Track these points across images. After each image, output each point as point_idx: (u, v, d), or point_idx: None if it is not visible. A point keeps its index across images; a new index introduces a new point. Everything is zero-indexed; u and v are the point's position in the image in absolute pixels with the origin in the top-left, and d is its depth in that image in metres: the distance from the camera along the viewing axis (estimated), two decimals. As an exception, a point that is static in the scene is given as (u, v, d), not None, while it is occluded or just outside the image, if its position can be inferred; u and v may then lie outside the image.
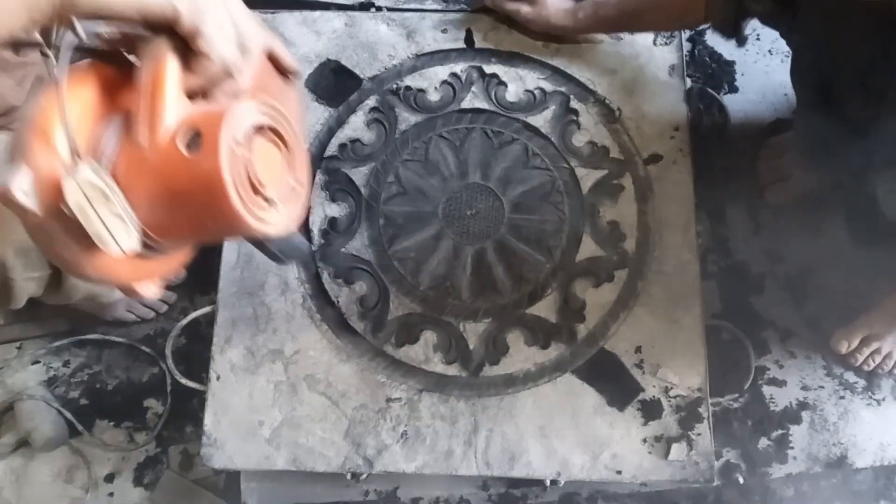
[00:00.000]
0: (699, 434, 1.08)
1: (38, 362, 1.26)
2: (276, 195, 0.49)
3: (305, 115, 0.62)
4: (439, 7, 1.37)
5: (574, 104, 1.22)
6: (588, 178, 1.19)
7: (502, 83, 1.23)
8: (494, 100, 1.23)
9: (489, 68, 1.24)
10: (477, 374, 1.10)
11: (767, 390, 1.24)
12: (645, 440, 1.07)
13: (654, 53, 1.26)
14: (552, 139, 1.20)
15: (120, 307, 1.24)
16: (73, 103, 0.46)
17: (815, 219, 1.32)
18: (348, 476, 1.09)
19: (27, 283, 0.91)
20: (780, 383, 1.25)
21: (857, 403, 1.24)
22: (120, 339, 1.27)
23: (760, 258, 1.31)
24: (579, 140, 1.21)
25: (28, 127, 0.45)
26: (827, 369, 1.26)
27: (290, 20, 1.28)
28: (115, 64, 0.50)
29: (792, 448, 1.21)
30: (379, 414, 1.08)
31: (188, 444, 1.23)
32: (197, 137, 0.46)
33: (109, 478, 1.21)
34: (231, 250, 1.15)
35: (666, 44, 1.26)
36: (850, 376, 1.25)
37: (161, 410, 1.24)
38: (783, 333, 1.27)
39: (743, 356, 1.21)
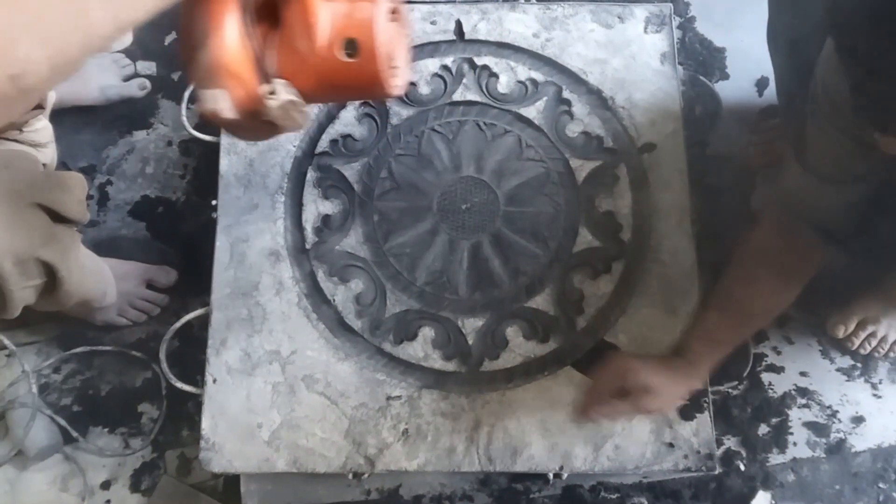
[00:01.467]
0: (700, 423, 1.08)
1: (29, 370, 1.24)
2: (401, 63, 0.60)
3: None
4: (427, -1, 1.35)
5: (566, 94, 1.21)
6: (582, 168, 1.18)
7: (494, 74, 1.22)
8: (486, 91, 1.21)
9: (480, 60, 1.23)
10: (477, 370, 1.10)
11: (766, 377, 1.24)
12: (646, 430, 1.07)
13: (646, 42, 1.25)
14: (545, 130, 1.19)
15: (111, 312, 1.22)
16: (240, 22, 0.55)
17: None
18: (350, 476, 1.08)
19: (23, 292, 0.89)
20: (778, 369, 1.25)
21: (855, 387, 1.25)
22: (110, 348, 1.25)
23: (755, 244, 1.30)
24: (573, 130, 1.20)
25: (214, 59, 0.54)
26: (824, 354, 1.26)
27: (277, 15, 1.26)
28: None
29: (791, 434, 1.21)
30: (379, 412, 1.07)
31: (185, 448, 1.21)
32: (353, 45, 0.55)
33: (106, 485, 1.19)
34: (223, 251, 1.13)
35: (657, 32, 1.25)
36: (847, 360, 1.26)
37: (156, 415, 1.23)
38: (780, 319, 1.27)
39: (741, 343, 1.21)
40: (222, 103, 0.54)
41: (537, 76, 1.22)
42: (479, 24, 1.25)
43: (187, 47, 0.55)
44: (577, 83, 1.23)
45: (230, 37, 0.54)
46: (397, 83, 0.61)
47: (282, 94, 0.55)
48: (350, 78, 0.57)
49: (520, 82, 1.22)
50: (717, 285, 1.04)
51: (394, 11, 0.61)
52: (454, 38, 1.25)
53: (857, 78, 0.64)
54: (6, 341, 1.21)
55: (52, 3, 0.43)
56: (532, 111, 1.20)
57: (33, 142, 0.99)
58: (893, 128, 0.66)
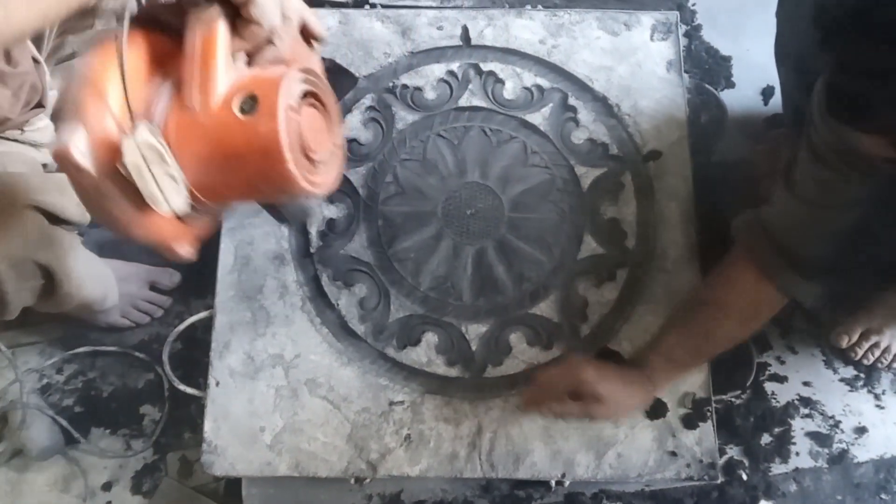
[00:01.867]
0: (703, 432, 1.07)
1: (31, 370, 1.24)
2: (322, 157, 0.52)
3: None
4: (434, 3, 1.35)
5: (572, 101, 1.21)
6: (587, 175, 1.18)
7: (500, 80, 1.22)
8: (492, 97, 1.21)
9: (486, 65, 1.23)
10: (480, 376, 1.09)
11: (769, 386, 1.24)
12: (649, 439, 1.07)
13: (652, 50, 1.25)
14: (551, 137, 1.19)
15: (114, 313, 1.22)
16: (130, 66, 0.47)
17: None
18: (351, 481, 1.08)
19: (20, 294, 0.89)
20: (781, 379, 1.25)
21: (858, 398, 1.24)
22: (113, 349, 1.25)
23: (759, 253, 1.30)
24: (578, 137, 1.20)
25: (83, 87, 0.46)
26: (827, 364, 1.26)
27: (284, 18, 1.26)
28: (162, 30, 0.51)
29: (794, 443, 1.21)
30: (382, 417, 1.07)
31: (186, 450, 1.21)
32: (252, 101, 0.47)
33: (107, 486, 1.19)
34: (228, 254, 1.13)
35: (663, 40, 1.25)
36: (851, 371, 1.25)
37: (158, 417, 1.22)
38: (783, 329, 1.27)
39: (744, 353, 1.21)
40: (76, 139, 0.45)
41: (543, 82, 1.22)
42: (485, 30, 1.25)
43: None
44: (582, 90, 1.23)
45: (108, 79, 0.46)
46: (314, 179, 0.51)
47: (143, 135, 0.45)
48: (243, 141, 0.47)
49: (525, 88, 1.22)
50: (685, 303, 1.04)
51: (319, 99, 0.54)
52: (460, 43, 1.25)
53: (835, 73, 0.64)
54: (1, 346, 1.20)
55: None
56: (537, 117, 1.20)
57: (34, 142, 0.99)
58: (870, 125, 0.65)
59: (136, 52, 0.49)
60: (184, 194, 0.47)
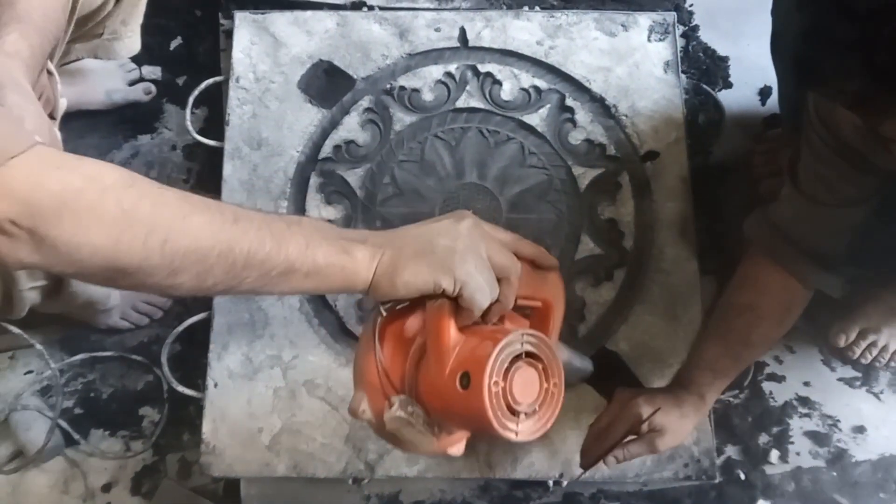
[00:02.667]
0: (700, 432, 1.08)
1: (31, 372, 1.24)
2: (531, 407, 0.62)
3: (564, 295, 0.77)
4: (432, 5, 1.35)
5: (570, 102, 1.21)
6: (585, 176, 1.18)
7: (497, 82, 1.23)
8: (489, 98, 1.22)
9: (483, 67, 1.23)
10: (477, 376, 1.09)
11: (767, 386, 1.24)
12: (647, 439, 1.07)
13: (649, 50, 1.25)
14: (548, 137, 1.20)
15: (114, 315, 1.22)
16: (387, 347, 0.66)
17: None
18: (350, 481, 1.08)
19: (30, 293, 0.90)
20: (779, 378, 1.25)
21: (856, 397, 1.24)
22: (112, 353, 1.25)
23: (757, 253, 1.30)
24: (575, 138, 1.20)
25: (361, 370, 0.66)
26: (826, 363, 1.26)
27: (282, 20, 1.26)
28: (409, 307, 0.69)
29: (792, 443, 1.21)
30: (380, 418, 1.07)
31: (186, 451, 1.21)
32: (467, 379, 0.61)
33: (106, 487, 1.19)
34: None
35: (661, 40, 1.26)
36: (849, 370, 1.26)
37: (157, 418, 1.23)
38: (781, 328, 1.27)
39: (742, 352, 1.21)
40: (362, 404, 0.65)
41: (541, 84, 1.23)
42: (483, 32, 1.26)
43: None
44: (580, 91, 1.23)
45: (369, 359, 0.65)
46: (513, 428, 0.62)
47: (396, 409, 0.63)
48: (464, 408, 0.61)
49: (523, 90, 1.22)
50: (714, 314, 1.03)
51: (534, 356, 0.64)
52: (458, 45, 1.26)
53: (809, 44, 0.65)
54: (24, 335, 1.20)
55: None
56: (535, 118, 1.20)
57: None
58: (844, 94, 0.65)
59: (393, 334, 0.67)
60: (431, 438, 0.64)
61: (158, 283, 0.55)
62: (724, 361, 0.99)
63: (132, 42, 1.10)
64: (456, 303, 0.64)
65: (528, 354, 0.64)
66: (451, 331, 0.64)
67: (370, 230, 0.67)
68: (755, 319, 0.98)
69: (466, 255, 0.64)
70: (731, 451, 1.20)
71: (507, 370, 0.62)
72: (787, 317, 0.99)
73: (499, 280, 0.66)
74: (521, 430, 0.63)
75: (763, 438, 1.21)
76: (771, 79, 1.35)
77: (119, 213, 0.52)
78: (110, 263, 0.52)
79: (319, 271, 0.60)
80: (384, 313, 0.66)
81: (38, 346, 1.20)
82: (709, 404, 1.00)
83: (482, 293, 0.64)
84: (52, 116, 0.90)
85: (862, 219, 0.91)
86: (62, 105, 0.93)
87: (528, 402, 0.63)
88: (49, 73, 0.86)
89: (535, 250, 0.73)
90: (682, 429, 0.96)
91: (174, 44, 1.44)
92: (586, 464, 0.97)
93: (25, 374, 1.23)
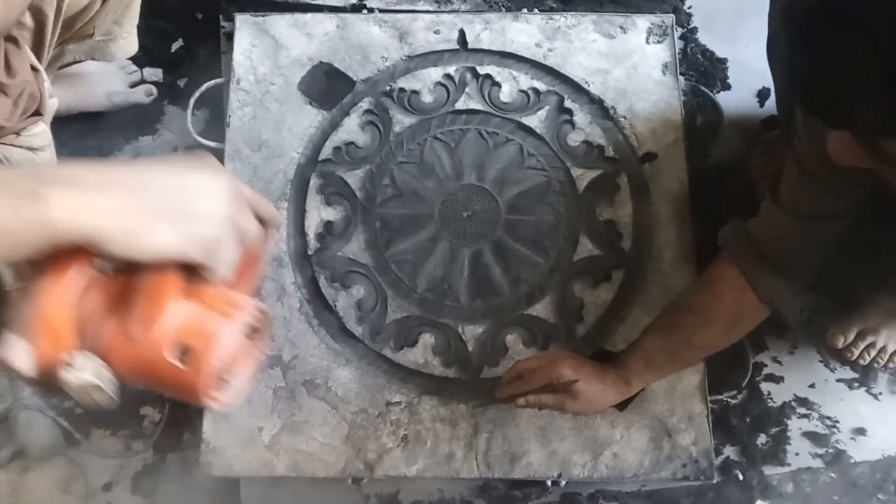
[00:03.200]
0: (698, 432, 1.08)
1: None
2: (238, 379, 0.56)
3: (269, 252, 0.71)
4: (431, 8, 1.36)
5: (568, 104, 1.22)
6: (583, 177, 1.19)
7: (496, 84, 1.23)
8: (488, 100, 1.22)
9: (483, 69, 1.24)
10: (476, 376, 1.10)
11: (765, 386, 1.24)
12: (645, 439, 1.07)
13: (648, 52, 1.26)
14: (547, 139, 1.20)
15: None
16: (74, 293, 0.53)
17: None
18: (349, 481, 1.09)
19: (18, 294, 0.90)
20: (777, 379, 1.25)
21: (854, 398, 1.24)
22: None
23: (756, 254, 1.31)
24: (574, 140, 1.21)
25: (35, 312, 0.51)
26: (824, 364, 1.26)
27: (281, 22, 1.27)
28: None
29: (790, 444, 1.21)
30: (379, 418, 1.08)
31: (186, 451, 1.21)
32: (185, 353, 0.52)
33: (107, 487, 1.20)
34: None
35: (659, 42, 1.26)
36: (848, 371, 1.26)
37: (158, 418, 1.23)
38: (780, 329, 1.27)
39: (740, 353, 1.21)
40: (22, 356, 0.51)
41: (539, 86, 1.23)
42: (482, 34, 1.26)
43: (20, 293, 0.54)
44: (578, 93, 1.24)
45: (61, 294, 0.51)
46: (219, 398, 0.56)
47: (80, 369, 0.51)
48: (168, 379, 0.53)
49: (522, 91, 1.23)
50: (667, 308, 1.05)
51: (255, 329, 0.57)
52: (457, 47, 1.26)
53: (804, 66, 0.63)
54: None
55: None
56: (534, 120, 1.21)
57: (30, 146, 1.01)
58: (840, 119, 0.63)
59: (97, 287, 0.54)
60: (115, 399, 0.53)
61: None
62: (660, 356, 1.01)
63: (128, 43, 1.11)
64: (188, 267, 0.55)
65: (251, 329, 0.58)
66: (178, 288, 0.54)
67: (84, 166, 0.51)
68: (703, 322, 0.99)
69: (224, 224, 0.54)
70: (730, 451, 1.20)
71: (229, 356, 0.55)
72: (734, 328, 1.00)
73: None
74: (225, 398, 0.57)
75: (761, 439, 1.21)
76: (769, 81, 1.35)
77: None
78: None
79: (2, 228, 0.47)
80: (103, 268, 0.54)
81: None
82: (633, 390, 1.04)
83: (228, 266, 0.56)
84: (38, 112, 0.90)
85: (837, 235, 0.91)
86: (52, 105, 0.93)
87: (236, 373, 0.57)
88: (34, 69, 0.87)
89: (270, 209, 0.64)
90: (597, 402, 1.02)
91: (175, 46, 1.44)
92: (500, 396, 1.04)
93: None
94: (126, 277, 0.55)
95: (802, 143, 0.84)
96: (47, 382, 0.52)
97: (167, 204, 0.52)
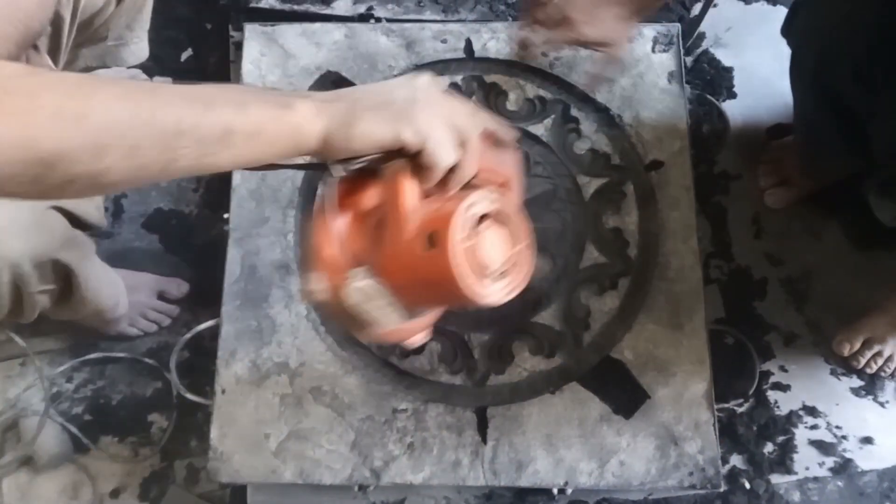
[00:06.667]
0: (705, 440, 1.08)
1: (39, 378, 1.25)
2: (501, 269, 0.60)
3: (521, 175, 0.77)
4: (438, 17, 1.37)
5: (574, 112, 1.23)
6: (590, 185, 1.19)
7: (502, 92, 1.24)
8: (495, 109, 1.23)
9: (489, 78, 1.25)
10: (482, 384, 1.10)
11: (772, 395, 1.24)
12: (652, 447, 1.07)
13: (653, 61, 1.26)
14: (553, 147, 1.21)
15: (123, 322, 1.24)
16: (341, 222, 0.63)
17: (814, 222, 1.33)
18: (355, 488, 1.09)
19: (41, 297, 0.91)
20: (784, 387, 1.25)
21: (861, 406, 1.24)
22: (123, 355, 1.27)
23: (762, 263, 1.31)
24: (580, 148, 1.21)
25: (316, 246, 0.63)
26: (831, 372, 1.26)
27: (290, 32, 1.28)
28: (363, 177, 0.65)
29: (797, 452, 1.21)
30: (385, 425, 1.08)
31: (193, 458, 1.22)
32: (432, 239, 0.57)
33: (115, 493, 1.21)
34: (234, 263, 1.15)
35: (665, 51, 1.27)
36: (855, 379, 1.26)
37: (165, 425, 1.24)
38: (786, 337, 1.27)
39: (747, 361, 1.22)
40: (316, 284, 0.62)
41: (545, 94, 1.24)
42: (488, 43, 1.27)
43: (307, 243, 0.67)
44: (584, 101, 1.24)
45: (328, 237, 0.62)
46: (481, 290, 0.58)
47: (357, 281, 0.60)
48: (430, 271, 0.58)
49: (528, 100, 1.24)
50: None
51: (500, 214, 0.61)
52: (464, 56, 1.27)
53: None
54: (21, 342, 1.22)
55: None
56: (540, 128, 1.21)
57: None
58: None
59: (347, 205, 0.63)
60: (396, 315, 0.60)
61: (88, 172, 0.49)
62: None
63: (139, 48, 1.12)
64: (416, 164, 0.60)
65: (495, 216, 0.61)
66: (413, 192, 0.60)
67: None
68: None
69: (428, 106, 0.60)
70: (736, 459, 1.20)
71: (475, 230, 0.59)
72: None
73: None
74: (489, 293, 0.59)
75: (768, 448, 1.21)
76: (775, 89, 1.36)
77: (24, 99, 0.47)
78: (27, 154, 0.47)
79: (261, 131, 0.55)
80: (343, 173, 0.60)
81: (37, 362, 1.21)
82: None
83: (445, 148, 0.60)
84: None
85: None
86: None
87: (496, 262, 0.60)
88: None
89: (494, 121, 0.68)
90: (606, 23, 0.98)
91: (185, 55, 1.46)
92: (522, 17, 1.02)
93: (35, 380, 1.25)
94: (371, 199, 0.63)
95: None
96: (338, 304, 0.60)
97: (375, 101, 0.59)
